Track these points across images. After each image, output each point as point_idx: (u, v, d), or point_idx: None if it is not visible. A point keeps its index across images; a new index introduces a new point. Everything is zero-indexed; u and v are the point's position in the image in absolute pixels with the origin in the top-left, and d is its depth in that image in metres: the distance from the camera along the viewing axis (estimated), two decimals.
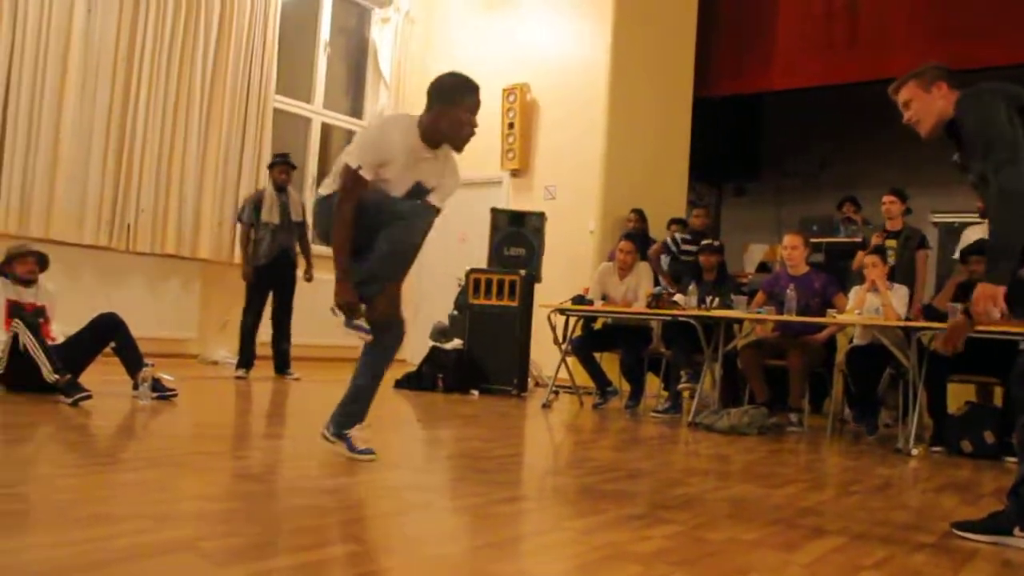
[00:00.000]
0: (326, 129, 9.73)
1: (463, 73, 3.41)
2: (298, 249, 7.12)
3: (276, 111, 8.87)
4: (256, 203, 6.98)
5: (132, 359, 4.98)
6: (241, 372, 6.84)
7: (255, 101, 8.51)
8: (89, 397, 4.48)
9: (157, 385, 4.91)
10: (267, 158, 8.60)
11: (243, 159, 8.44)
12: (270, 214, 6.91)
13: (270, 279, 6.93)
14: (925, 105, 2.91)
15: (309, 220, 7.04)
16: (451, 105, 3.30)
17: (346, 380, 3.58)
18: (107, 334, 5.04)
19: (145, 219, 7.64)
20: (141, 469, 3.11)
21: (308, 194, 8.76)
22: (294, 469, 3.42)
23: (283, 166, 7.06)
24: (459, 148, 3.40)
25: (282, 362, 7.03)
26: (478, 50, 9.90)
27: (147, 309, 7.48)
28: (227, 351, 8.10)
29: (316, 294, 6.29)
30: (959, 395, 5.80)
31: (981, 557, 2.61)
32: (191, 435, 4.27)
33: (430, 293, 10.00)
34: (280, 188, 7.01)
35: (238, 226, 7.26)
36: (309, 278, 7.15)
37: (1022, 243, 2.65)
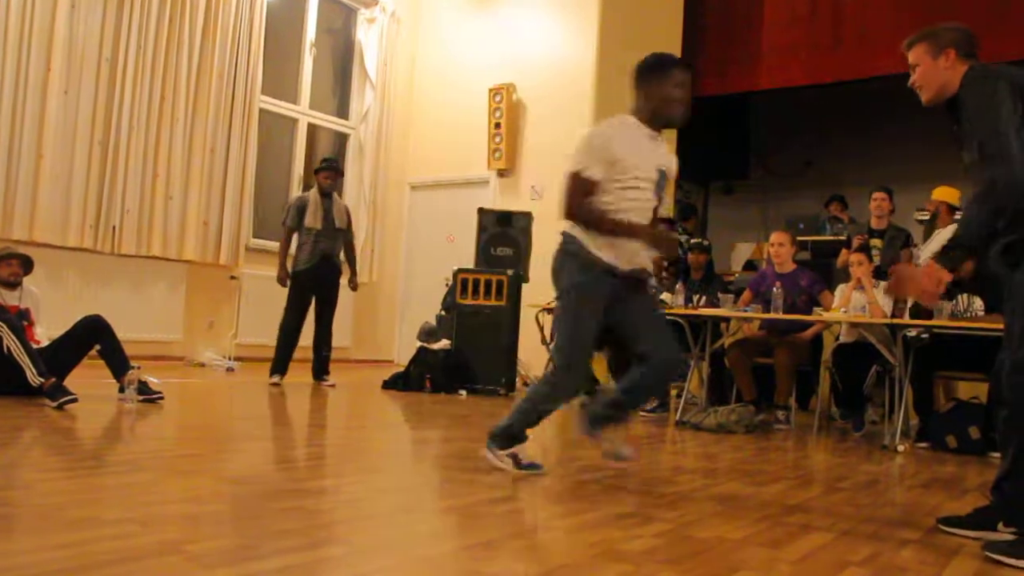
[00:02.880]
0: (312, 130, 9.71)
1: (666, 52, 3.48)
2: (343, 257, 7.08)
3: (262, 111, 8.84)
4: (300, 208, 6.91)
5: (117, 362, 4.95)
6: (276, 379, 6.72)
7: (240, 101, 8.48)
8: (75, 400, 4.45)
9: (143, 388, 4.89)
10: (253, 159, 8.60)
11: (229, 160, 8.41)
12: (314, 219, 6.83)
13: (311, 285, 6.86)
14: (930, 72, 2.86)
15: (353, 228, 7.19)
16: (657, 83, 3.34)
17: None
18: (92, 337, 5.01)
19: (130, 221, 7.60)
20: (127, 472, 3.09)
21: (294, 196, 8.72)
22: (280, 471, 3.41)
23: (329, 171, 6.97)
24: (677, 123, 3.42)
25: (320, 368, 6.95)
26: (464, 50, 9.91)
27: (132, 311, 7.45)
28: (214, 352, 8.08)
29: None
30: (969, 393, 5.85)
31: (966, 553, 2.63)
32: (177, 438, 4.25)
33: (417, 293, 10.01)
34: (325, 194, 6.94)
35: (282, 230, 7.13)
36: (354, 287, 7.17)
37: (984, 236, 2.65)
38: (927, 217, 9.33)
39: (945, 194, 6.56)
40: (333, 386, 6.82)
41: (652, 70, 3.34)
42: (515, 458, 3.44)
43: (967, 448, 5.17)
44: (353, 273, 7.14)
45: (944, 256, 2.68)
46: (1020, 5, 8.05)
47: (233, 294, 8.49)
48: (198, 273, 8.24)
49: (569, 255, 3.36)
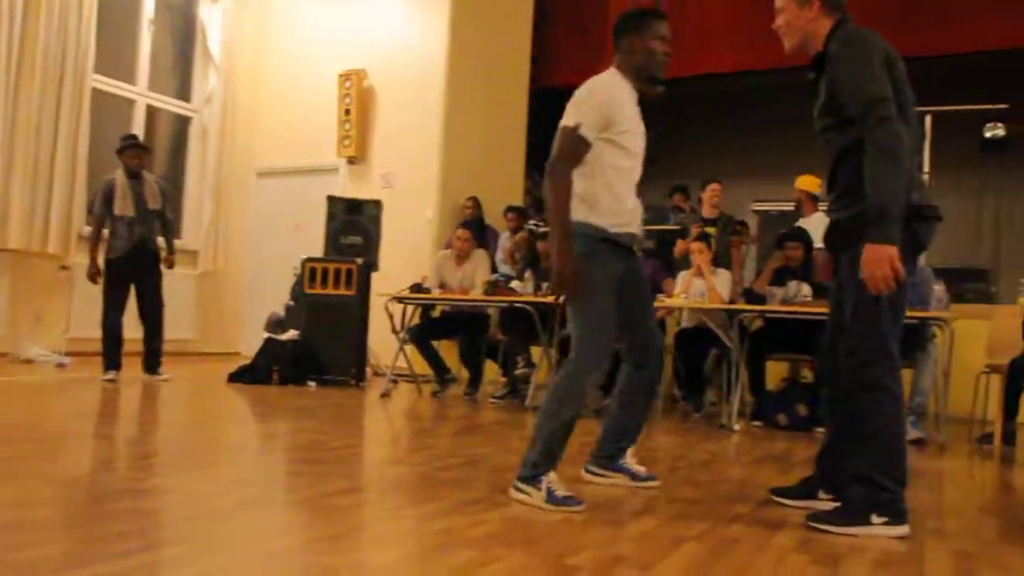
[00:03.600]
0: (152, 112, 9.25)
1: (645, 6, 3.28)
2: (162, 242, 6.63)
3: (95, 91, 8.35)
4: (107, 193, 6.41)
5: None
6: (111, 375, 6.33)
7: (70, 80, 7.97)
8: None
9: None
10: (85, 141, 8.12)
11: (58, 142, 7.89)
12: (123, 206, 6.37)
13: (129, 273, 6.43)
14: (794, 20, 2.88)
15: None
16: (639, 36, 3.18)
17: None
18: None
19: None
20: None
21: None
22: (115, 471, 3.25)
23: (134, 149, 6.49)
24: (659, 78, 3.23)
25: (152, 361, 6.55)
26: (314, 34, 9.69)
27: None
28: (42, 348, 7.60)
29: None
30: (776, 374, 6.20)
31: (792, 523, 2.80)
32: None
33: (265, 283, 9.73)
34: (133, 175, 6.47)
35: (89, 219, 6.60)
36: (170, 265, 6.69)
37: (901, 202, 2.60)
38: (764, 208, 9.87)
39: (807, 183, 6.94)
40: (167, 380, 6.52)
41: (633, 22, 3.22)
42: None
43: (796, 425, 5.51)
44: (171, 252, 6.69)
45: (879, 236, 2.57)
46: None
47: (64, 285, 8.00)
48: (23, 263, 7.72)
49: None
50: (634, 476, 3.39)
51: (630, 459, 3.44)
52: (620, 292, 3.11)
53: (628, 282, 3.18)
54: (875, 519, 2.67)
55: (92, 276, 6.40)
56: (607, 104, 3.04)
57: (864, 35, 2.76)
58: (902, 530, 2.67)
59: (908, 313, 5.12)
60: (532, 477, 2.91)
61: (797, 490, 3.09)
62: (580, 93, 3.08)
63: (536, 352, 6.50)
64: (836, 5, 2.85)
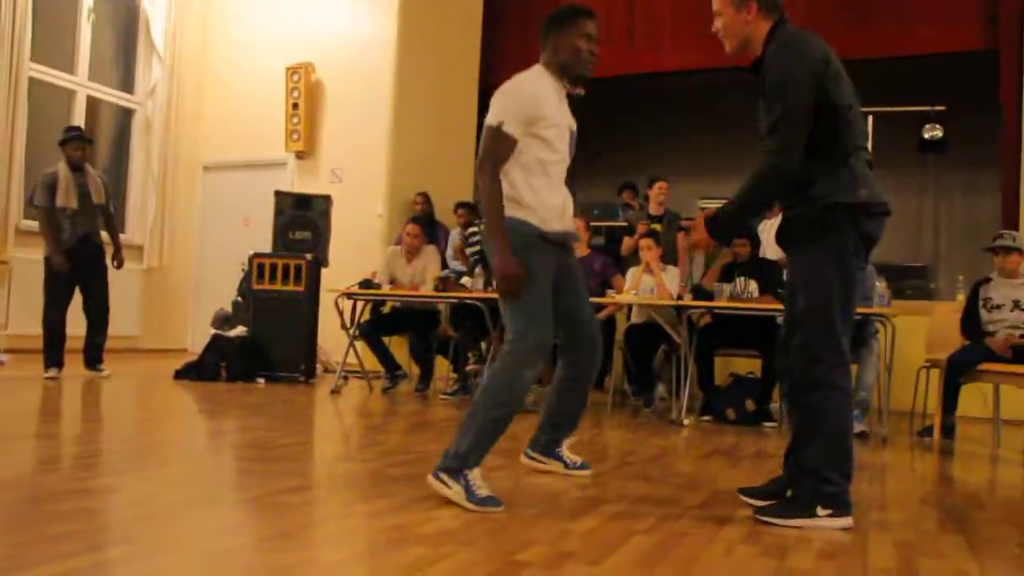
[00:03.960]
0: (92, 103, 9.05)
1: (576, 3, 3.24)
2: (105, 237, 6.55)
3: (32, 81, 8.14)
4: (50, 186, 6.28)
5: None
6: (53, 372, 6.20)
7: (5, 69, 7.76)
8: None
9: None
10: (22, 133, 7.92)
11: None
12: (66, 198, 6.25)
13: (74, 269, 6.30)
14: (733, 23, 2.89)
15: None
16: (564, 33, 3.15)
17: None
18: None
19: None
20: None
21: None
22: (55, 472, 3.17)
23: (77, 142, 6.38)
24: (583, 78, 3.21)
25: (93, 357, 6.45)
26: (261, 26, 9.55)
27: None
28: None
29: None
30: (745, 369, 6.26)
31: (738, 518, 2.84)
32: None
33: (212, 279, 9.59)
34: (76, 168, 6.36)
35: (36, 211, 6.42)
36: (119, 264, 6.64)
37: (750, 215, 2.85)
38: (713, 206, 9.91)
39: None
40: (107, 376, 6.41)
41: (561, 20, 3.20)
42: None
43: (744, 419, 5.59)
44: (117, 249, 6.64)
45: (720, 231, 2.86)
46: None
47: (2, 280, 7.78)
48: None
49: None
50: (568, 465, 3.47)
51: (566, 449, 3.52)
52: (556, 285, 3.13)
53: (564, 275, 3.21)
54: (820, 511, 2.72)
55: (59, 263, 6.25)
56: (530, 100, 3.05)
57: (800, 38, 2.78)
58: (846, 521, 2.73)
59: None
60: (456, 470, 2.83)
61: (764, 490, 3.11)
62: (503, 90, 3.08)
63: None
64: (773, 6, 2.85)
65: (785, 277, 3.08)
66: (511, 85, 3.09)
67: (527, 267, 2.98)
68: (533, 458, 3.52)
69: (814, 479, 2.75)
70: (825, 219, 2.72)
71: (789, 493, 2.98)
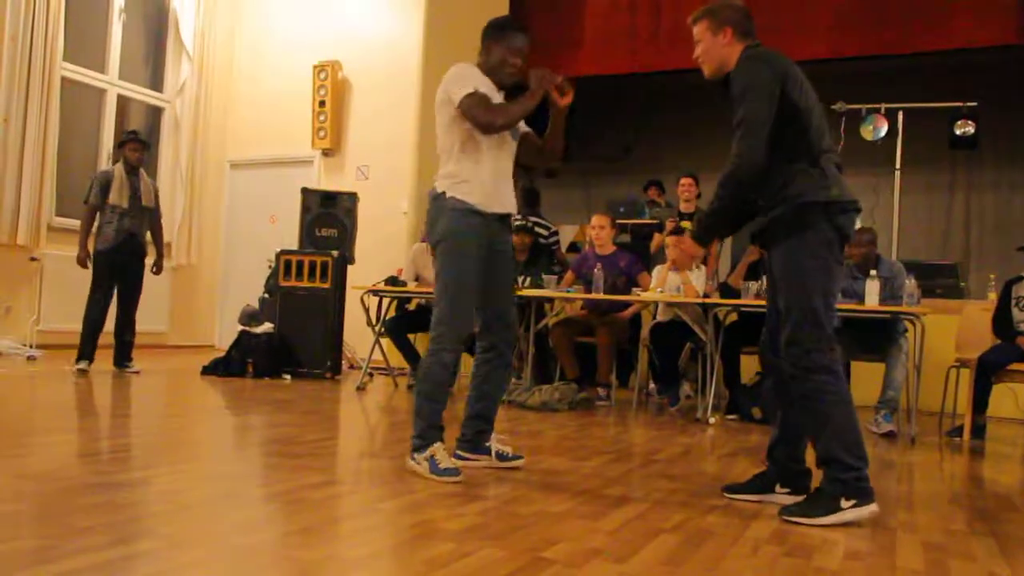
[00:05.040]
0: (123, 102, 9.13)
1: (515, 18, 3.50)
2: (149, 238, 6.67)
3: (65, 80, 8.24)
4: (104, 184, 6.44)
5: None
6: (82, 365, 6.31)
7: (39, 68, 7.85)
8: None
9: None
10: (55, 131, 8.03)
11: (27, 132, 7.78)
12: (119, 196, 6.41)
13: (114, 266, 6.43)
14: (710, 48, 3.03)
15: (162, 206, 6.73)
16: (496, 43, 3.35)
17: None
18: None
19: None
20: None
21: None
22: (87, 465, 3.21)
23: (134, 143, 6.54)
24: (505, 88, 3.38)
25: (122, 354, 6.54)
26: (288, 25, 9.61)
27: None
28: (12, 340, 7.50)
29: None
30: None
31: (765, 516, 2.82)
32: None
33: (239, 275, 9.67)
34: (131, 170, 6.51)
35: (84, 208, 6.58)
36: (158, 270, 6.78)
37: (730, 214, 2.96)
38: None
39: None
40: (137, 373, 6.48)
41: (497, 30, 3.38)
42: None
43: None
44: (159, 255, 6.77)
45: (703, 236, 3.07)
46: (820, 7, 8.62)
47: (34, 276, 7.89)
48: None
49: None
50: (499, 456, 3.48)
51: (494, 440, 3.53)
52: (485, 269, 3.29)
53: (494, 261, 3.35)
54: (844, 503, 2.73)
55: (82, 261, 6.41)
56: (479, 77, 3.28)
57: (762, 53, 2.93)
58: (871, 508, 2.74)
59: (881, 308, 5.18)
60: (419, 448, 3.19)
61: (751, 485, 3.11)
62: (456, 71, 3.29)
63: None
64: (747, 32, 3.01)
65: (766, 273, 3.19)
66: (459, 67, 3.31)
67: (457, 246, 3.22)
68: (464, 457, 3.46)
69: (834, 467, 2.77)
70: (800, 216, 2.84)
71: (779, 489, 3.03)
